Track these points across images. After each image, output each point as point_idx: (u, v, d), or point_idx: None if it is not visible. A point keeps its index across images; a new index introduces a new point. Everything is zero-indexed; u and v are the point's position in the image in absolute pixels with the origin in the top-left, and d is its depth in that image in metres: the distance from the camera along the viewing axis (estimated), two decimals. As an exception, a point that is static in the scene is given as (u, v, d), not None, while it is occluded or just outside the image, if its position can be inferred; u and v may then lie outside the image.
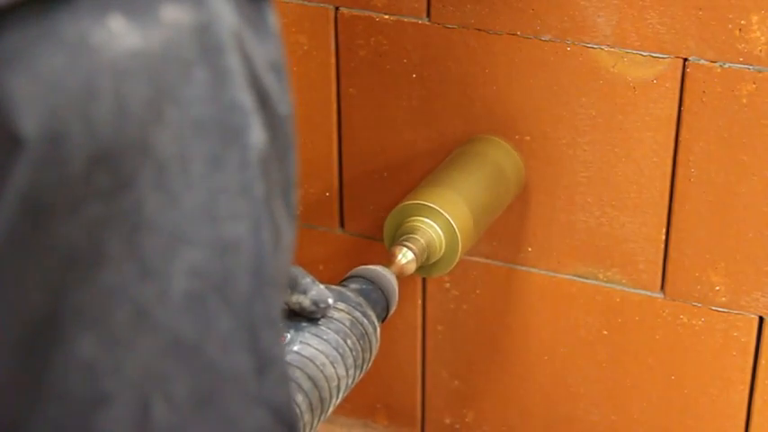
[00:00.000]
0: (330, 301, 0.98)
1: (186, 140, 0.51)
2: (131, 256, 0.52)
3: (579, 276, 1.35)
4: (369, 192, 1.41)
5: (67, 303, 0.51)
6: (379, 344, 1.04)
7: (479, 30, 1.28)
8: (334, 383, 0.98)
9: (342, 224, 1.44)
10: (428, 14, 1.30)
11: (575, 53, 1.25)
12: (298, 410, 0.93)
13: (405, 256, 1.15)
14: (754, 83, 1.19)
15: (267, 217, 0.55)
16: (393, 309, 1.09)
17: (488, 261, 1.39)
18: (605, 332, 1.36)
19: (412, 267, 1.15)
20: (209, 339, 0.54)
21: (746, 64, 1.19)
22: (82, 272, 0.51)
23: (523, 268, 1.37)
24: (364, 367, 1.03)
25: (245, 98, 0.53)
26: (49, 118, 0.48)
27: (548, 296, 1.37)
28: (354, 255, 1.44)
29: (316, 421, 0.96)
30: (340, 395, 1.00)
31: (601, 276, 1.34)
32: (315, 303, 0.97)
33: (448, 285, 1.42)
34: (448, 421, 1.49)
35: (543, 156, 1.31)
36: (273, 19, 0.56)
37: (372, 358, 1.04)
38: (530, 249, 1.36)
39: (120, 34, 0.49)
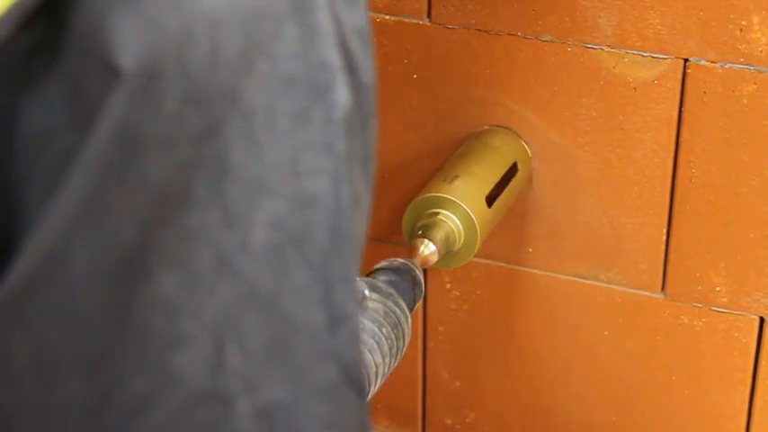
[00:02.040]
0: (366, 292, 1.00)
1: (274, 94, 0.53)
2: (216, 202, 0.53)
3: (580, 277, 1.35)
4: (369, 192, 1.41)
5: (154, 240, 0.52)
6: (410, 332, 1.07)
7: (480, 30, 1.28)
8: (372, 371, 1.00)
9: (342, 224, 1.44)
10: (429, 15, 1.30)
11: (575, 54, 1.25)
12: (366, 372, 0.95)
13: (427, 248, 1.17)
14: (755, 83, 1.19)
15: (347, 176, 0.56)
16: (419, 299, 1.12)
17: (489, 261, 1.39)
18: (606, 333, 1.36)
19: (434, 258, 1.17)
20: (285, 291, 0.55)
21: (747, 64, 1.19)
22: (169, 211, 0.52)
23: (524, 269, 1.37)
24: (398, 356, 1.06)
25: (334, 57, 0.54)
26: (147, 55, 0.49)
27: (548, 297, 1.37)
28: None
29: None
30: (378, 382, 1.02)
31: (601, 277, 1.34)
32: None
33: (449, 286, 1.42)
34: (449, 422, 1.49)
35: (544, 156, 1.31)
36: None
37: (405, 347, 1.07)
38: (530, 250, 1.36)
39: None
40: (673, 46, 1.21)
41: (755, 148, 1.22)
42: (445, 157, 1.32)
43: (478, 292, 1.41)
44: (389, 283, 1.09)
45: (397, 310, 1.06)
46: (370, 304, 1.03)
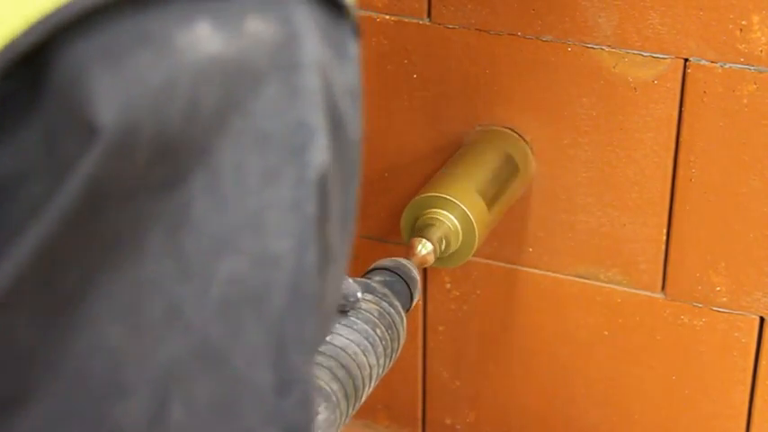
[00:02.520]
0: (359, 294, 1.00)
1: (245, 151, 0.52)
2: (173, 253, 0.52)
3: (580, 277, 1.35)
4: (369, 192, 1.41)
5: (101, 287, 0.52)
6: (405, 333, 1.07)
7: (480, 30, 1.28)
8: (367, 372, 1.00)
9: (342, 224, 1.44)
10: (429, 15, 1.30)
11: (575, 53, 1.25)
12: (334, 398, 0.95)
13: (424, 247, 1.17)
14: (755, 83, 1.19)
15: (316, 238, 0.54)
16: (416, 299, 1.11)
17: (489, 261, 1.39)
18: (606, 332, 1.36)
19: (431, 258, 1.17)
20: (237, 349, 0.54)
21: (747, 64, 1.19)
22: (120, 260, 0.51)
23: (524, 269, 1.37)
24: (393, 356, 1.06)
25: (314, 118, 0.54)
26: (125, 111, 0.49)
27: (548, 296, 1.37)
28: (355, 255, 1.43)
29: (351, 409, 0.98)
30: (372, 384, 1.02)
31: (602, 277, 1.34)
32: (344, 297, 1.00)
33: (449, 286, 1.42)
34: (449, 422, 1.49)
35: (544, 156, 1.31)
36: (355, 46, 0.57)
37: (400, 348, 1.06)
38: (531, 250, 1.36)
39: (204, 38, 0.50)
40: (673, 46, 1.21)
41: (755, 148, 1.22)
42: (445, 157, 1.32)
43: (478, 292, 1.41)
44: (384, 283, 1.09)
45: (392, 311, 1.06)
46: (364, 305, 1.03)
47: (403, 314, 1.08)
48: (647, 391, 1.37)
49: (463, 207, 1.20)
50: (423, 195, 1.21)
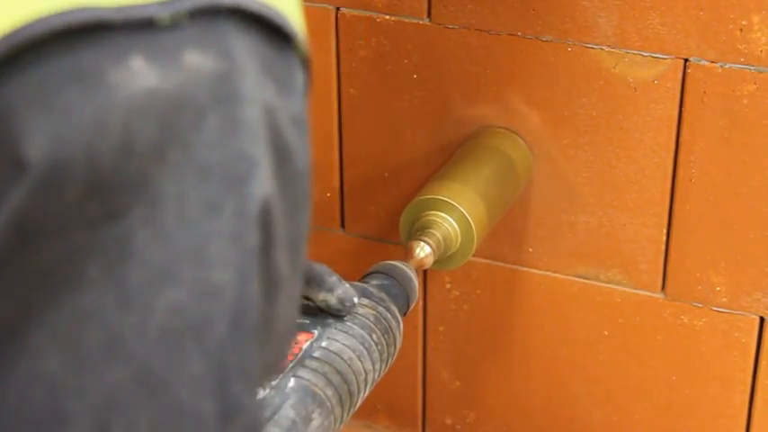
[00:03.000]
0: (355, 299, 1.01)
1: (186, 183, 0.52)
2: (112, 284, 0.52)
3: (580, 277, 1.35)
4: (370, 192, 1.41)
5: (38, 318, 0.52)
6: (402, 337, 1.07)
7: (480, 30, 1.28)
8: (362, 377, 1.00)
9: (342, 225, 1.44)
10: (429, 15, 1.30)
11: (575, 53, 1.25)
12: (329, 404, 0.95)
13: (423, 251, 1.17)
14: (755, 83, 1.19)
15: (258, 268, 0.54)
16: (413, 303, 1.11)
17: (489, 261, 1.39)
18: (606, 333, 1.36)
19: (430, 261, 1.17)
20: (178, 378, 0.54)
21: (747, 64, 1.19)
22: (58, 292, 0.52)
23: (524, 269, 1.37)
24: (389, 361, 1.05)
25: (255, 149, 0.53)
26: (54, 147, 0.49)
27: (548, 296, 1.37)
28: (355, 255, 1.44)
29: (345, 415, 0.98)
30: (367, 389, 1.02)
31: (601, 277, 1.34)
32: (341, 302, 1.00)
33: (449, 286, 1.42)
34: (449, 422, 1.49)
35: (544, 156, 1.31)
36: (301, 75, 0.56)
37: (396, 352, 1.06)
38: (530, 250, 1.36)
39: (139, 73, 0.50)
40: (673, 46, 1.21)
41: (755, 148, 1.22)
42: (445, 158, 1.32)
43: (478, 292, 1.41)
44: (381, 287, 1.08)
45: (389, 316, 1.05)
46: (361, 310, 1.03)
47: (400, 318, 1.07)
48: (647, 391, 1.37)
49: (461, 209, 1.19)
50: (420, 198, 1.21)
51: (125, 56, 0.50)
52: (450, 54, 1.30)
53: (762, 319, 1.29)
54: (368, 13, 1.32)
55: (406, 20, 1.31)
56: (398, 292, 1.09)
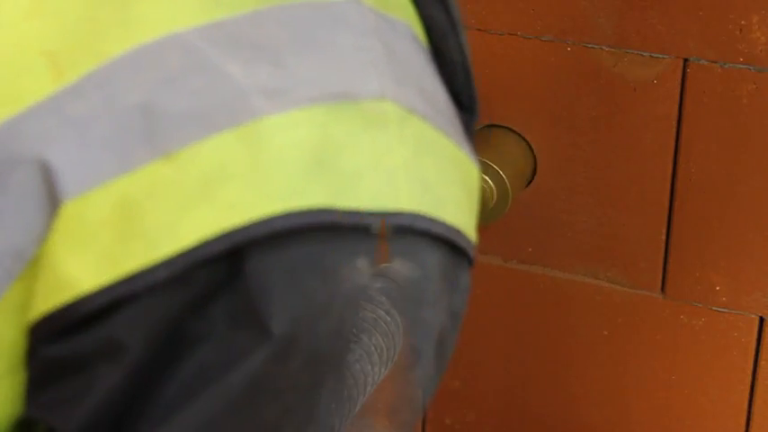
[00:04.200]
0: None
1: (365, 363, 0.64)
2: None
3: (579, 276, 1.35)
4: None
5: None
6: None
7: (480, 30, 1.28)
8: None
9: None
10: (429, 15, 1.30)
11: (575, 53, 1.25)
12: None
13: None
14: (755, 83, 1.19)
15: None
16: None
17: (489, 261, 1.39)
18: (605, 332, 1.36)
19: None
20: None
21: (747, 64, 1.19)
22: None
23: (524, 268, 1.37)
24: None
25: (425, 346, 0.65)
26: (292, 325, 0.58)
27: (548, 296, 1.37)
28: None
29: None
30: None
31: (601, 276, 1.34)
32: None
33: (448, 285, 1.42)
34: (448, 422, 1.49)
35: (544, 156, 1.31)
36: (468, 277, 0.66)
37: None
38: (531, 250, 1.36)
39: (360, 272, 0.61)
40: (673, 46, 1.21)
41: (755, 148, 1.22)
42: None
43: (477, 291, 1.41)
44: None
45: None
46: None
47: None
48: (647, 390, 1.37)
49: (495, 167, 1.25)
50: None
51: (354, 256, 0.60)
52: (451, 54, 1.30)
53: (761, 319, 1.29)
54: (368, 13, 1.32)
55: (407, 20, 1.31)
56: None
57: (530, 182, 1.33)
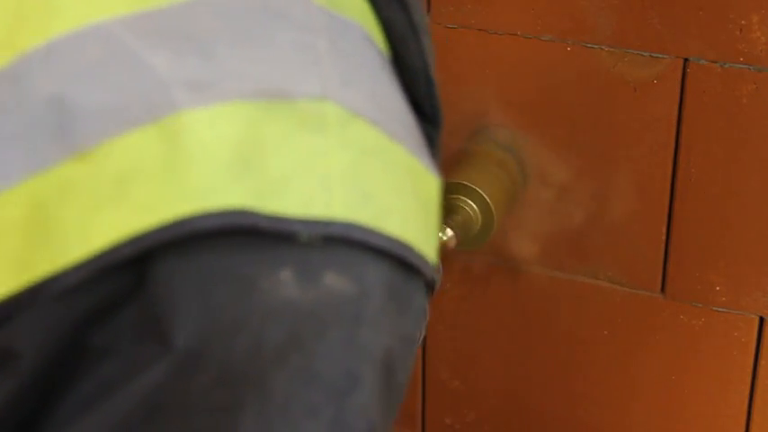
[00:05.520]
0: None
1: (297, 386, 0.56)
2: None
3: (579, 276, 1.35)
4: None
5: None
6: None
7: (480, 30, 1.28)
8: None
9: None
10: (428, 14, 1.30)
11: (575, 53, 1.25)
12: None
13: (445, 234, 1.22)
14: (755, 83, 1.19)
15: None
16: (438, 286, 1.12)
17: (489, 261, 1.39)
18: (605, 332, 1.36)
19: (452, 243, 1.23)
20: None
21: (747, 64, 1.19)
22: None
23: (524, 268, 1.37)
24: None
25: (364, 371, 0.57)
26: (199, 338, 0.53)
27: (547, 296, 1.37)
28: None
29: None
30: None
31: (601, 277, 1.34)
32: None
33: (448, 285, 1.42)
34: (448, 421, 1.49)
35: (543, 156, 1.31)
36: (422, 298, 0.61)
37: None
38: (531, 250, 1.36)
39: (284, 284, 0.54)
40: (673, 46, 1.21)
41: (755, 148, 1.22)
42: (444, 158, 1.32)
43: (478, 291, 1.41)
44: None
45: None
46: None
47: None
48: (647, 391, 1.37)
49: (480, 191, 1.25)
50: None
51: (277, 267, 0.54)
52: (450, 54, 1.30)
53: (761, 319, 1.29)
54: (368, 13, 1.32)
55: (406, 19, 1.31)
56: None
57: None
